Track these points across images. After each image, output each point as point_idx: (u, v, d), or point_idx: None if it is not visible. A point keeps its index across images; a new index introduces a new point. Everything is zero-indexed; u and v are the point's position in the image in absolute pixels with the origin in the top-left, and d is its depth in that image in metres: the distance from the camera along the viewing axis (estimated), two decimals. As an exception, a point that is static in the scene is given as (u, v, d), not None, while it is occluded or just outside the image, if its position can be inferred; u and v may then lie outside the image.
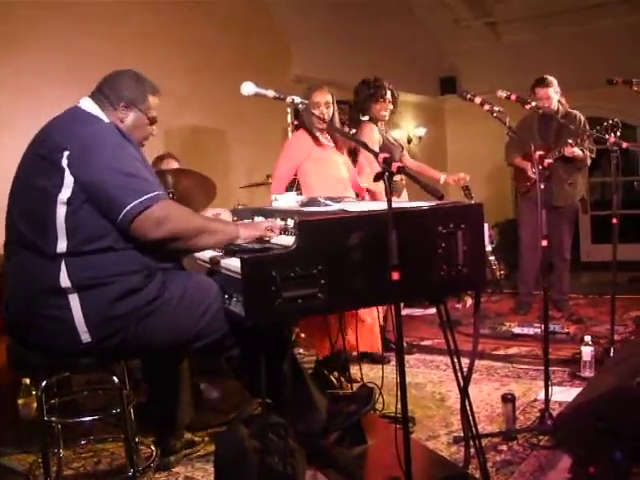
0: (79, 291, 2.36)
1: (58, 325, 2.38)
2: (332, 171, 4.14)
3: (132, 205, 2.30)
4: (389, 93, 4.82)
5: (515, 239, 6.07)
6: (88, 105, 2.57)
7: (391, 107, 4.88)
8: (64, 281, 2.35)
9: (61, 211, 2.34)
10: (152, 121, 2.69)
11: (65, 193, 2.34)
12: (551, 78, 5.35)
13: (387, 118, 4.91)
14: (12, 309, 2.49)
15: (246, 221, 2.91)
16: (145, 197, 2.31)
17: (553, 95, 5.32)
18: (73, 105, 2.59)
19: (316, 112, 4.04)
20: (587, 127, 5.40)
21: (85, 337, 2.39)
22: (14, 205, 2.51)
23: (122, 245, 2.41)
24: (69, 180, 2.33)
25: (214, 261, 2.64)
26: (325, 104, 4.10)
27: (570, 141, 5.15)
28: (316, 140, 4.14)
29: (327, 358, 4.01)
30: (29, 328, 2.44)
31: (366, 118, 4.79)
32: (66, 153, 2.33)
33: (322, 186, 3.96)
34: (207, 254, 2.75)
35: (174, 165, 4.65)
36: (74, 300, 2.36)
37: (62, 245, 2.36)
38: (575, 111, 5.50)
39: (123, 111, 2.59)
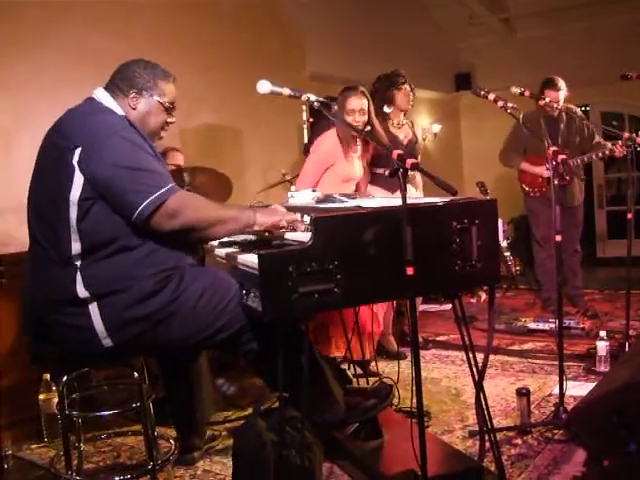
0: (98, 299, 2.38)
1: (79, 332, 2.40)
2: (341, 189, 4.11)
3: (147, 202, 2.30)
4: (408, 82, 4.81)
5: (530, 235, 6.06)
6: (101, 95, 2.57)
7: (412, 96, 4.86)
8: (82, 291, 2.37)
9: (73, 213, 2.35)
10: (167, 108, 2.66)
11: (75, 193, 2.34)
12: (561, 80, 5.32)
13: (410, 107, 4.89)
14: (31, 313, 2.52)
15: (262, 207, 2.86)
16: (159, 192, 2.32)
17: (562, 97, 5.29)
18: (88, 96, 2.59)
19: (349, 119, 4.03)
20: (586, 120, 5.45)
21: (107, 342, 2.41)
22: (31, 204, 2.52)
23: (136, 242, 2.42)
24: (79, 179, 2.33)
25: (231, 257, 2.65)
26: (360, 111, 4.07)
27: (610, 145, 5.16)
28: (345, 150, 4.11)
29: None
30: (49, 333, 2.46)
31: (390, 110, 4.78)
32: (77, 151, 2.33)
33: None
34: (223, 250, 2.76)
35: (179, 157, 4.71)
36: (93, 309, 2.38)
37: (77, 247, 2.37)
38: (571, 105, 5.46)
39: (134, 99, 2.58)
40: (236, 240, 2.83)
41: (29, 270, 2.54)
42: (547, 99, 3.82)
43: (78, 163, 2.33)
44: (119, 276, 2.40)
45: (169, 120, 2.69)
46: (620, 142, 5.02)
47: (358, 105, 4.07)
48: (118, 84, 2.59)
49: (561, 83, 5.31)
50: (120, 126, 2.44)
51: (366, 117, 4.12)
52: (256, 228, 2.52)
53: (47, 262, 2.43)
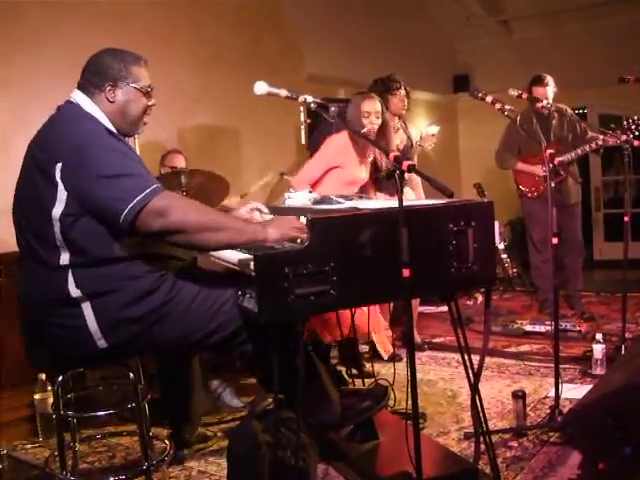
0: (91, 299, 2.35)
1: (73, 333, 2.38)
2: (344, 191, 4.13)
3: (132, 205, 2.24)
4: (403, 87, 4.82)
5: (527, 237, 6.06)
6: (79, 98, 2.50)
7: (406, 101, 4.87)
8: (74, 291, 2.34)
9: (57, 228, 2.31)
10: (145, 92, 2.56)
11: (58, 208, 2.29)
12: (549, 77, 5.34)
13: (404, 112, 4.91)
14: (27, 317, 2.50)
15: (274, 218, 2.67)
16: (142, 194, 2.25)
17: (550, 94, 5.29)
18: (67, 100, 2.54)
19: (365, 122, 4.05)
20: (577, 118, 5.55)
21: (101, 343, 2.39)
22: (20, 213, 2.47)
23: (124, 253, 2.39)
24: (62, 194, 2.28)
25: (227, 258, 2.62)
26: (375, 114, 4.09)
27: (602, 136, 5.17)
28: (359, 153, 4.13)
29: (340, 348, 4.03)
30: (45, 335, 2.44)
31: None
32: (58, 165, 2.28)
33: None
34: (236, 256, 2.57)
35: (180, 160, 4.68)
36: (87, 308, 2.35)
37: (65, 257, 2.34)
38: (561, 105, 5.49)
39: (110, 91, 2.48)
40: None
41: (21, 275, 2.51)
42: (544, 101, 3.82)
43: (61, 179, 2.28)
44: (112, 276, 2.37)
45: (150, 103, 2.61)
46: (611, 133, 5.03)
47: (373, 107, 4.09)
48: (91, 80, 2.51)
49: (548, 79, 5.32)
50: (97, 135, 2.38)
51: (380, 121, 4.13)
52: (269, 244, 2.39)
53: (38, 268, 2.39)
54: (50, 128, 2.45)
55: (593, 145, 5.24)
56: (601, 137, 5.16)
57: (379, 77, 4.87)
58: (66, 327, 2.38)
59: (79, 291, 2.35)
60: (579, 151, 5.32)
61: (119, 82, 2.51)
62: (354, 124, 3.96)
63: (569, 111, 5.54)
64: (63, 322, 2.38)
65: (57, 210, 2.30)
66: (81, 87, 2.53)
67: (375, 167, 4.50)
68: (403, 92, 4.81)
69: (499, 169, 5.90)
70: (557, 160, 3.31)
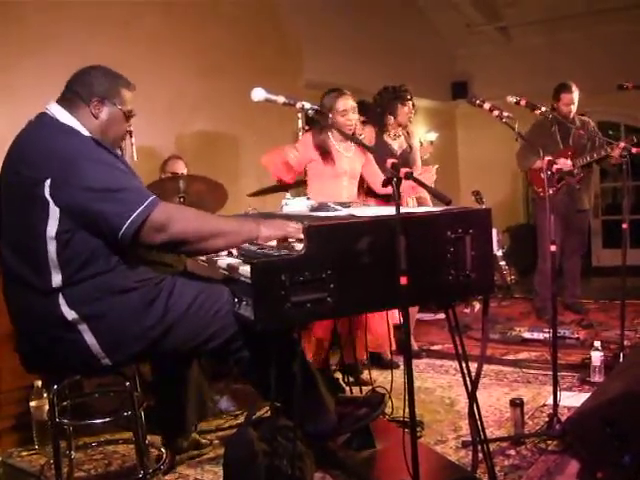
0: (87, 320, 2.31)
1: (75, 354, 2.35)
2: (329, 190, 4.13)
3: (131, 220, 2.22)
4: (412, 100, 4.83)
5: (526, 243, 6.08)
6: (57, 111, 2.45)
7: (413, 114, 4.88)
8: (68, 313, 2.30)
9: (52, 247, 2.26)
10: (128, 116, 2.56)
11: (52, 226, 2.25)
12: (572, 83, 5.53)
13: (409, 123, 4.91)
14: (23, 339, 2.46)
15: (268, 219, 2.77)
16: (140, 208, 2.23)
17: (576, 99, 5.50)
18: (42, 112, 2.48)
19: (343, 120, 4.03)
20: (597, 131, 5.62)
21: (105, 362, 2.37)
22: (2, 238, 2.42)
23: (115, 263, 2.36)
24: (54, 211, 2.24)
25: (231, 267, 2.61)
26: (352, 109, 4.07)
27: (615, 144, 5.21)
28: (324, 156, 4.11)
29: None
30: (45, 353, 2.41)
31: (389, 121, 4.78)
32: (47, 182, 2.23)
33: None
34: (225, 261, 2.61)
35: (180, 165, 4.67)
36: (85, 331, 2.32)
37: (57, 279, 2.29)
38: (584, 116, 5.63)
39: (96, 106, 2.45)
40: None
41: (13, 306, 2.46)
42: (543, 108, 3.82)
43: (51, 195, 2.23)
44: (103, 293, 2.33)
45: (129, 129, 2.62)
46: (615, 145, 5.11)
47: (347, 104, 4.07)
48: (78, 91, 2.46)
49: (574, 86, 5.53)
50: (87, 148, 2.33)
51: (357, 116, 4.14)
52: (260, 242, 2.44)
53: (31, 296, 2.35)
54: (33, 144, 2.39)
55: (602, 152, 5.34)
56: (607, 149, 5.29)
57: (391, 85, 4.85)
58: (67, 349, 2.35)
59: (73, 312, 2.31)
60: (588, 157, 5.47)
61: (107, 100, 2.48)
62: (322, 125, 3.98)
63: (592, 123, 5.72)
64: (63, 345, 2.35)
65: (52, 229, 2.26)
66: (62, 100, 2.49)
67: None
68: (411, 104, 4.81)
69: (498, 176, 5.94)
70: (555, 168, 3.31)
